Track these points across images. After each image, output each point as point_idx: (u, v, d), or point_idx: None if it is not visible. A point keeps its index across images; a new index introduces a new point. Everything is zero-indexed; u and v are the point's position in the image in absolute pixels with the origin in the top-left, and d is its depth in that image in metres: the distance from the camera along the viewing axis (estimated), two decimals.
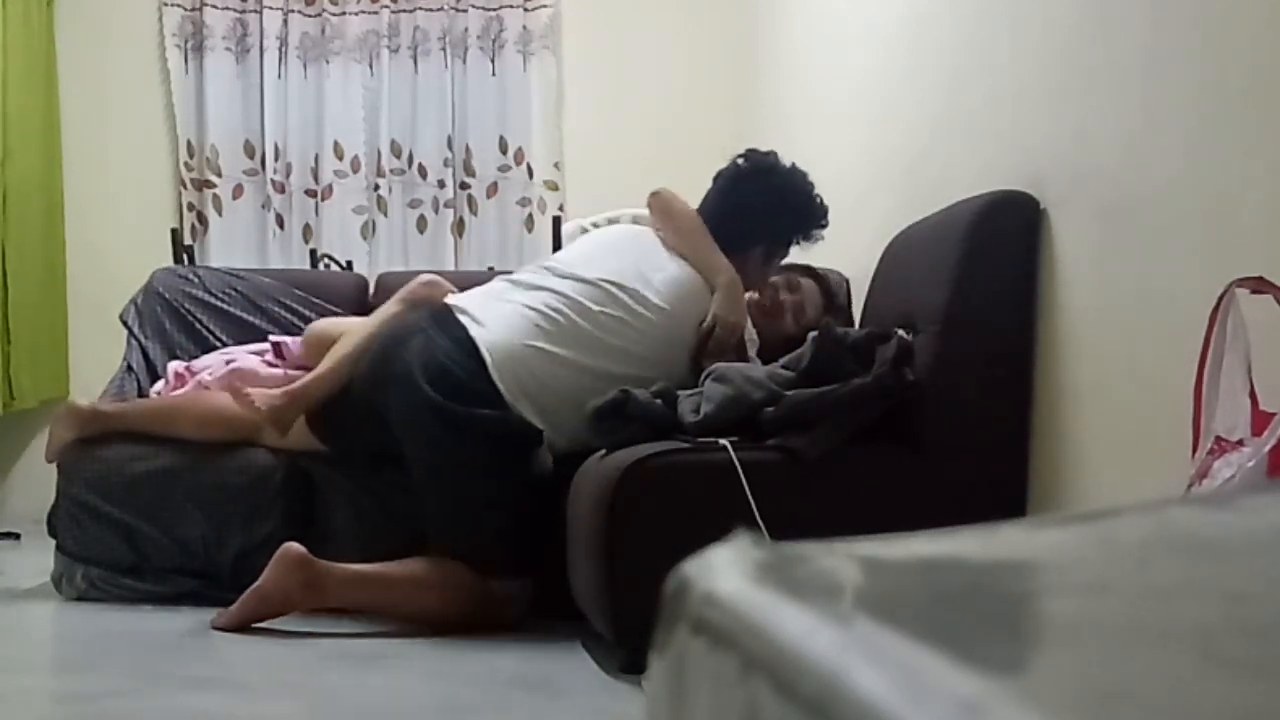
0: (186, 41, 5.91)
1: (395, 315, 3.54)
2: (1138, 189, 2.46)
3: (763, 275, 3.64)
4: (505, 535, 3.28)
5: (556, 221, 5.32)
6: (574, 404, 3.19)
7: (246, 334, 4.13)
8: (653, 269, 3.43)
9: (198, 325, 4.22)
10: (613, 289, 3.37)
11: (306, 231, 5.90)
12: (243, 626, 3.13)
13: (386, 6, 5.94)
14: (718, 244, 3.48)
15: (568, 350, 3.31)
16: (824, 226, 3.60)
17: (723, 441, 2.76)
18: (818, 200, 3.60)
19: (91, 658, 2.98)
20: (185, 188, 5.88)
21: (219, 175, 5.88)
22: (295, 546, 3.14)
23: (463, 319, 3.34)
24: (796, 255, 3.74)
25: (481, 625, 3.19)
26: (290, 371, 3.77)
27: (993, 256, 2.88)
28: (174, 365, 4.03)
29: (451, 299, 3.51)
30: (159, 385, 4.02)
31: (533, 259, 5.69)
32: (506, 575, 3.26)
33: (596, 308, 3.35)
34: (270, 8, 5.91)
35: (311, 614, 3.18)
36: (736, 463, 2.70)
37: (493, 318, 3.35)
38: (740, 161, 3.64)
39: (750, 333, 3.60)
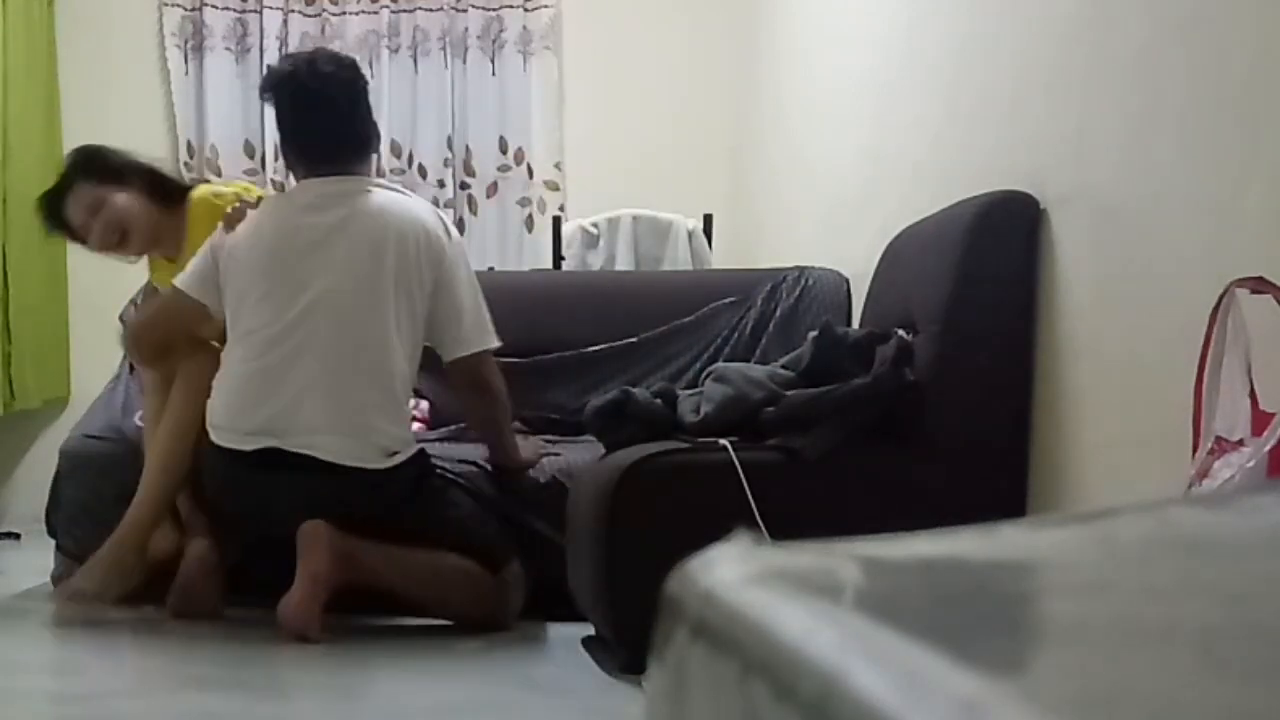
0: (186, 41, 5.91)
1: (190, 429, 3.34)
2: (1138, 189, 2.46)
3: None
4: (480, 532, 3.33)
5: (556, 221, 5.33)
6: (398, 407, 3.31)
7: None
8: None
9: None
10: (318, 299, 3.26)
11: None
12: (319, 623, 3.04)
13: (386, 6, 5.94)
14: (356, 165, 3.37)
15: (373, 378, 3.24)
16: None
17: (723, 441, 2.76)
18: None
19: (91, 658, 2.98)
20: None
21: (219, 175, 5.88)
22: (316, 522, 3.09)
23: (293, 448, 3.18)
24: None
25: (489, 618, 3.23)
26: None
27: (993, 256, 2.88)
28: None
29: (236, 421, 3.23)
30: None
31: (533, 259, 5.73)
32: (501, 564, 3.29)
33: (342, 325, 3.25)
34: (270, 8, 5.91)
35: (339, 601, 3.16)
36: (736, 463, 2.70)
37: (304, 426, 3.19)
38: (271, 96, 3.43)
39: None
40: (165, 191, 3.67)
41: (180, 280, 3.41)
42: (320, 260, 3.26)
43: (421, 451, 3.34)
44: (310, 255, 3.27)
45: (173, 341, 3.45)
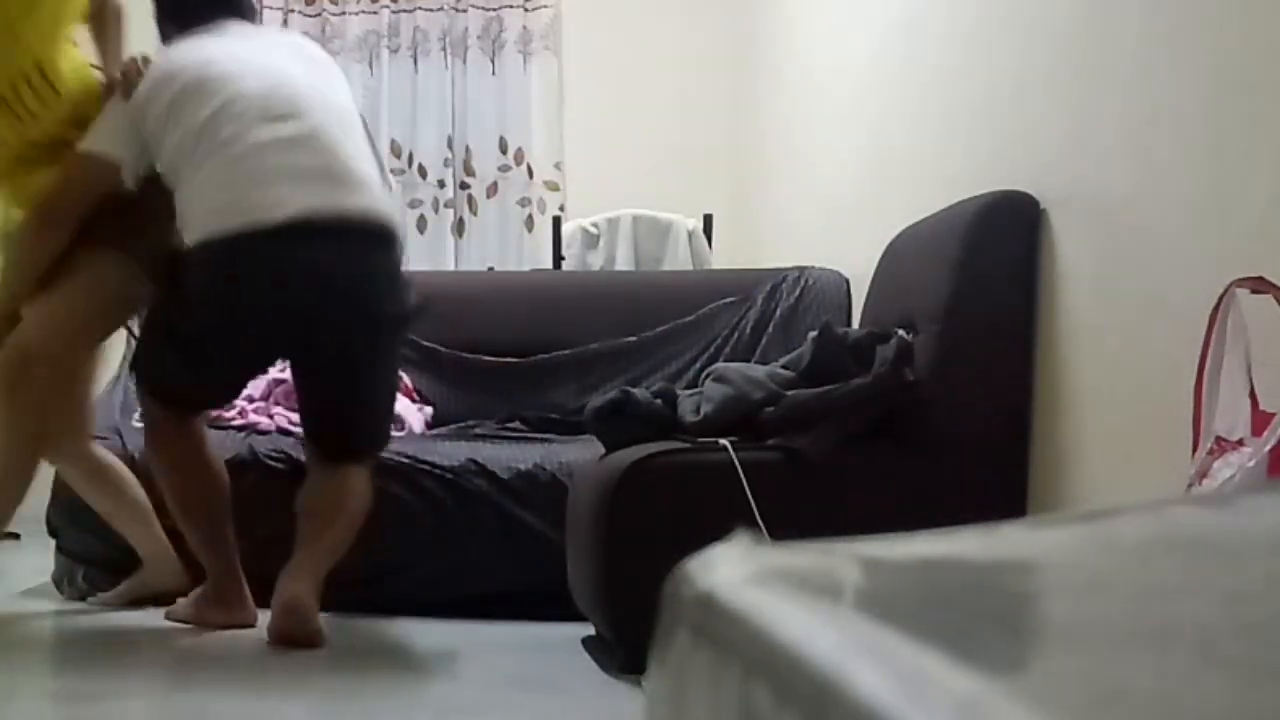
0: None
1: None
2: (1137, 189, 2.46)
3: None
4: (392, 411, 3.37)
5: (556, 221, 5.33)
6: None
7: None
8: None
9: None
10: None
11: None
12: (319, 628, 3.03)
13: (386, 6, 5.94)
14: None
15: (366, 152, 3.20)
16: None
17: (723, 441, 2.76)
18: None
19: (91, 658, 2.98)
20: None
21: None
22: (285, 600, 2.97)
23: (333, 208, 3.02)
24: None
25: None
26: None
27: (993, 256, 2.88)
28: None
29: (254, 195, 3.00)
30: None
31: (533, 259, 5.73)
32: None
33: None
34: (270, 8, 5.90)
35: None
36: (736, 463, 2.70)
37: (341, 180, 3.05)
38: None
39: None
40: None
41: (89, 144, 3.19)
42: (276, 58, 3.21)
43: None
44: (263, 55, 3.21)
45: (82, 215, 3.23)
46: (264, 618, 3.12)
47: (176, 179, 3.13)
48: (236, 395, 3.48)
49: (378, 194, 3.14)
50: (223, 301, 3.07)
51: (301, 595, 2.98)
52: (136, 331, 4.17)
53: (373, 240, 3.09)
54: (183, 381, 3.21)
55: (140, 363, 3.30)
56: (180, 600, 3.32)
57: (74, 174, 3.23)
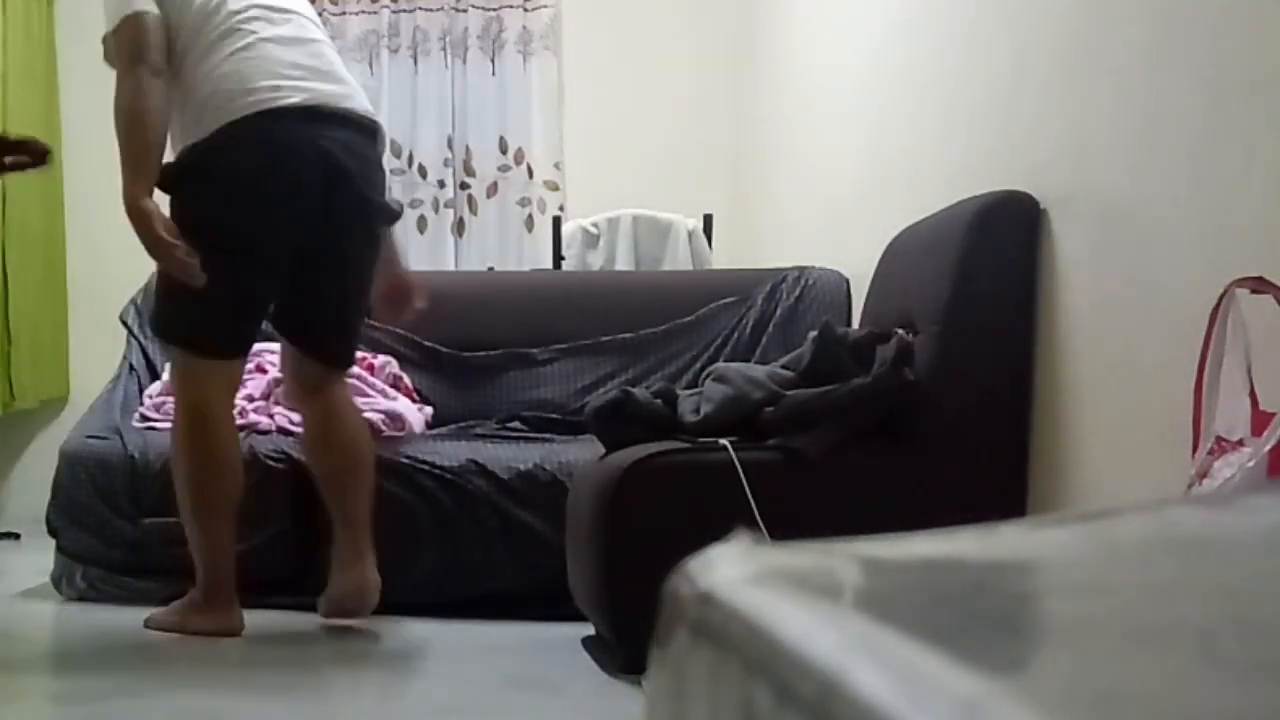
0: None
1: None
2: (1138, 189, 2.46)
3: None
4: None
5: (556, 221, 5.33)
6: None
7: None
8: None
9: None
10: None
11: None
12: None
13: (386, 6, 5.94)
14: None
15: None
16: None
17: (723, 441, 2.76)
18: None
19: (91, 658, 2.98)
20: None
21: None
22: (360, 580, 3.22)
23: (337, 102, 3.18)
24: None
25: None
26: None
27: (993, 256, 2.88)
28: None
29: (272, 79, 3.11)
30: (156, 386, 4.02)
31: (533, 259, 5.72)
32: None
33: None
34: None
35: None
36: (736, 463, 2.70)
37: (334, 78, 3.22)
38: None
39: None
40: None
41: (132, 6, 3.18)
42: None
43: None
44: None
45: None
46: (256, 617, 3.13)
47: (181, 61, 3.16)
48: (259, 322, 3.31)
49: (364, 98, 3.32)
50: (256, 175, 3.12)
51: (373, 579, 3.20)
52: (136, 328, 4.16)
53: (369, 135, 3.26)
54: (211, 301, 3.11)
55: (165, 311, 3.27)
56: (159, 610, 3.28)
57: (138, 29, 3.16)
